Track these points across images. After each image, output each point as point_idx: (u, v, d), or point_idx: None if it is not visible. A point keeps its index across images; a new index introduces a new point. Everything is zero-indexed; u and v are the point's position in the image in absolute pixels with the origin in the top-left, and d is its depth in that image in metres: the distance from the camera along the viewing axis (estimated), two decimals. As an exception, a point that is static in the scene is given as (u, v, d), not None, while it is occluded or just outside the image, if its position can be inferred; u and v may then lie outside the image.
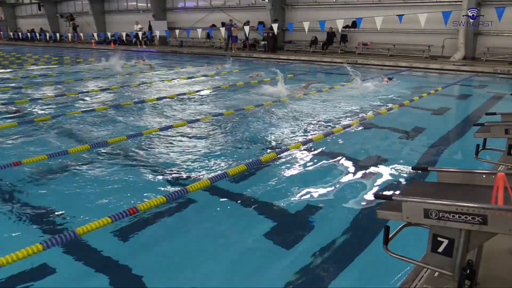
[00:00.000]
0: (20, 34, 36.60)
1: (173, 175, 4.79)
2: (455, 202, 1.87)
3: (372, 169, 4.97)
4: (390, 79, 11.64)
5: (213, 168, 4.99)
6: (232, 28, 20.65)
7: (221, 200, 4.21)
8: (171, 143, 6.02)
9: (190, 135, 6.40)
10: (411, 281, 2.40)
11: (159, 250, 3.30)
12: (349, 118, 7.39)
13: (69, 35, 29.56)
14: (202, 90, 10.62)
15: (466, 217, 1.84)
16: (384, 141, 6.20)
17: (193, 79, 12.94)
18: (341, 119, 7.40)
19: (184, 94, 10.01)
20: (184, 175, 4.77)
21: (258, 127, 6.91)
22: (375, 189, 4.37)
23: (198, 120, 7.25)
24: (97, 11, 31.37)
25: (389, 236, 2.18)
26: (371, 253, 3.20)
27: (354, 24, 17.70)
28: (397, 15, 15.30)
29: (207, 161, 5.25)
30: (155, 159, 5.34)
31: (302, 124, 7.07)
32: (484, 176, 2.45)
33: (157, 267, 3.07)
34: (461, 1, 15.14)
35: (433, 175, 2.56)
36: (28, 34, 34.36)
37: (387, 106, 8.43)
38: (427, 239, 2.06)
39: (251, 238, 3.49)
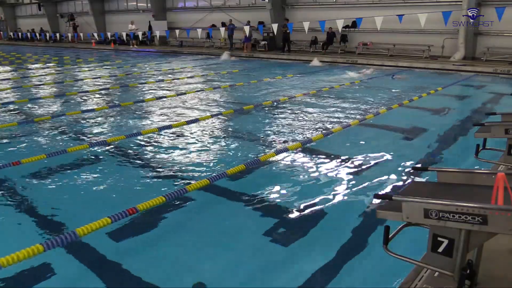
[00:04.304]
0: (20, 34, 36.55)
1: (172, 174, 4.79)
2: (455, 202, 1.87)
3: (372, 169, 4.96)
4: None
5: (212, 167, 4.99)
6: (244, 27, 20.10)
7: (220, 199, 4.21)
8: (170, 143, 6.02)
9: (189, 135, 6.39)
10: (411, 281, 2.39)
11: (158, 250, 3.30)
12: (349, 118, 7.39)
13: (69, 35, 29.54)
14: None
15: (466, 217, 1.84)
16: (384, 141, 6.20)
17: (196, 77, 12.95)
18: (341, 119, 7.40)
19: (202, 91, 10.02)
20: (183, 175, 4.77)
21: (258, 127, 6.91)
22: (375, 189, 4.37)
23: (197, 119, 7.25)
24: (97, 11, 31.34)
25: (389, 236, 2.18)
26: (371, 253, 3.20)
27: (354, 24, 17.70)
28: (397, 15, 15.29)
29: (206, 161, 5.25)
30: (154, 159, 5.34)
31: (302, 123, 7.07)
32: (484, 176, 2.45)
33: (157, 267, 3.06)
34: (461, 1, 15.12)
35: (433, 175, 2.56)
36: (28, 34, 34.32)
37: (386, 106, 8.43)
38: (427, 239, 2.06)
39: (250, 238, 3.49)
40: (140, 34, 24.41)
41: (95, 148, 5.64)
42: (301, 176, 4.74)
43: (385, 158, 5.34)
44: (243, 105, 8.54)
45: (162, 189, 4.32)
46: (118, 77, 13.65)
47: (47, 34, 31.99)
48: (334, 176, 4.75)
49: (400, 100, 9.06)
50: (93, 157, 5.35)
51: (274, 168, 5.00)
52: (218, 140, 6.19)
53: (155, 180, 4.65)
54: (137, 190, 4.35)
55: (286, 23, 19.17)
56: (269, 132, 6.62)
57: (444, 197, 1.97)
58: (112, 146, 5.78)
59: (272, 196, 4.24)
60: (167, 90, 10.80)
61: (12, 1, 39.36)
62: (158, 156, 5.47)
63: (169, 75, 13.84)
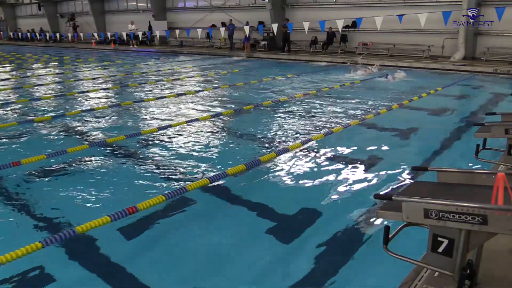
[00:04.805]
0: (20, 34, 36.54)
1: (172, 174, 4.79)
2: (455, 202, 1.87)
3: (372, 169, 4.96)
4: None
5: (212, 167, 4.99)
6: (244, 27, 20.07)
7: (220, 199, 4.21)
8: (170, 142, 6.02)
9: (189, 135, 6.39)
10: (411, 281, 2.39)
11: (158, 249, 3.30)
12: (349, 118, 7.38)
13: (69, 35, 29.53)
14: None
15: (466, 217, 1.84)
16: (384, 141, 6.19)
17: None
18: (340, 119, 7.39)
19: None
20: (183, 174, 4.77)
21: (258, 127, 6.91)
22: (375, 189, 4.37)
23: (197, 119, 7.25)
24: (97, 11, 31.32)
25: (389, 236, 2.18)
26: (371, 253, 3.19)
27: (354, 24, 17.69)
28: (397, 15, 15.28)
29: (206, 161, 5.25)
30: (154, 159, 5.34)
31: (302, 124, 7.07)
32: (484, 176, 2.44)
33: (156, 266, 3.06)
34: (461, 1, 15.12)
35: (433, 175, 2.56)
36: (28, 34, 34.30)
37: (387, 106, 8.42)
38: (427, 239, 2.06)
39: (250, 237, 3.49)
40: (140, 34, 24.40)
41: (95, 148, 5.63)
42: (301, 176, 4.74)
43: (385, 158, 5.34)
44: (243, 105, 8.54)
45: (162, 188, 4.32)
46: (118, 77, 13.65)
47: (47, 34, 31.98)
48: (334, 176, 4.75)
49: (400, 100, 9.05)
50: (93, 157, 5.34)
51: (274, 168, 5.00)
52: (218, 140, 6.19)
53: (155, 179, 4.64)
54: (137, 189, 4.34)
55: (286, 23, 19.18)
56: (269, 132, 6.62)
57: (444, 197, 1.97)
58: (112, 146, 5.77)
59: (272, 195, 4.24)
60: (167, 90, 10.80)
61: (12, 1, 39.33)
62: (158, 155, 5.47)
63: (169, 75, 13.84)
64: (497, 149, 4.03)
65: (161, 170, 4.93)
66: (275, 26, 18.30)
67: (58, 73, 14.96)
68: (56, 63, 18.70)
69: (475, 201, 1.84)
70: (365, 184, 4.51)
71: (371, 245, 3.29)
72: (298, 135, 6.38)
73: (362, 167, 5.02)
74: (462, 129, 6.92)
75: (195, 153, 5.53)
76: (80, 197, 4.22)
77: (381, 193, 4.13)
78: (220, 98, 9.65)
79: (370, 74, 13.49)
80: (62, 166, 5.01)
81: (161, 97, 9.51)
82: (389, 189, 4.37)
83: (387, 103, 8.81)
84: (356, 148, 5.75)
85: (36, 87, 11.38)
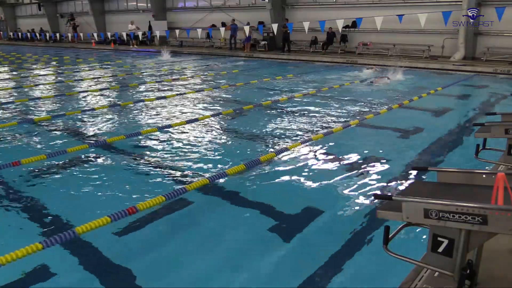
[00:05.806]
0: (20, 34, 36.54)
1: (172, 174, 4.79)
2: (455, 202, 1.87)
3: (372, 169, 4.96)
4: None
5: (212, 167, 4.99)
6: (245, 27, 20.11)
7: (220, 199, 4.21)
8: (170, 142, 6.02)
9: (189, 135, 6.39)
10: (411, 281, 2.39)
11: (158, 250, 3.30)
12: (349, 118, 7.38)
13: (69, 35, 29.54)
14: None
15: (466, 217, 1.84)
16: (384, 141, 6.20)
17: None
18: (340, 119, 7.39)
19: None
20: (183, 174, 4.77)
21: (258, 127, 6.91)
22: (375, 189, 4.37)
23: (197, 119, 7.25)
24: (97, 11, 31.33)
25: (389, 236, 2.18)
26: (371, 253, 3.19)
27: (354, 24, 17.70)
28: (397, 15, 15.29)
29: (206, 161, 5.25)
30: (154, 159, 5.34)
31: (302, 123, 7.07)
32: (484, 176, 2.44)
33: (156, 267, 3.06)
34: (461, 1, 15.13)
35: (433, 175, 2.56)
36: (28, 34, 34.31)
37: (387, 106, 8.42)
38: (427, 239, 2.06)
39: (249, 237, 3.49)
40: (140, 34, 24.41)
41: (95, 148, 5.64)
42: (301, 176, 4.74)
43: (385, 158, 5.34)
44: (243, 105, 8.54)
45: (162, 188, 4.32)
46: (118, 77, 13.65)
47: (47, 34, 31.99)
48: (334, 176, 4.74)
49: (400, 100, 9.05)
50: (93, 157, 5.34)
51: (274, 168, 5.00)
52: (218, 140, 6.19)
53: (155, 179, 4.65)
54: (137, 189, 4.34)
55: (286, 23, 19.18)
56: (269, 132, 6.62)
57: (444, 197, 1.96)
58: (112, 146, 5.77)
59: (272, 195, 4.24)
60: (167, 90, 10.80)
61: (12, 1, 39.35)
62: (158, 155, 5.47)
63: (169, 75, 13.83)
64: (497, 149, 4.03)
65: (161, 170, 4.93)
66: (275, 26, 18.31)
67: (58, 73, 14.96)
68: (56, 63, 18.70)
69: (475, 201, 1.84)
70: (365, 184, 4.51)
71: (371, 245, 3.29)
72: (297, 135, 6.38)
73: (361, 167, 5.02)
74: (462, 129, 6.92)
75: (195, 153, 5.53)
76: (80, 197, 4.22)
77: (381, 193, 4.14)
78: (220, 98, 9.65)
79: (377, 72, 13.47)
80: (62, 166, 5.01)
81: (161, 97, 9.51)
82: (389, 189, 4.37)
83: (387, 103, 8.80)
84: (355, 148, 5.75)
85: (36, 87, 11.39)
